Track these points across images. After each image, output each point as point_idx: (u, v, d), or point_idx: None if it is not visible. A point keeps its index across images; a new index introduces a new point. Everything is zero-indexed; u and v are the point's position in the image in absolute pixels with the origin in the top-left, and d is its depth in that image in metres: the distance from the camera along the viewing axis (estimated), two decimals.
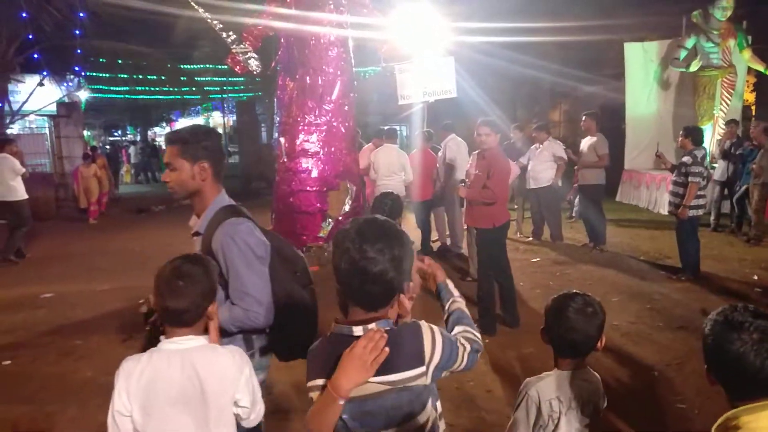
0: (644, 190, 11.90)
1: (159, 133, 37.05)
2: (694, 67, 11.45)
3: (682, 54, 11.61)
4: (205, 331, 1.93)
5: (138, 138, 34.00)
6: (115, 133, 37.27)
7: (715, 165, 9.81)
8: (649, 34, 13.13)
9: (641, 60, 12.49)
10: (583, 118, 8.38)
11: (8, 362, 4.85)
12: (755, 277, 6.75)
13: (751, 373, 1.41)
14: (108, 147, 27.81)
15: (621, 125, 12.95)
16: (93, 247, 9.76)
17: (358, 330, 1.53)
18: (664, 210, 10.37)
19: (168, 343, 1.82)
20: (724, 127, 11.31)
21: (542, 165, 8.44)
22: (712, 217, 9.36)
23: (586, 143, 8.19)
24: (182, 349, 1.80)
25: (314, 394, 1.55)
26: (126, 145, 29.40)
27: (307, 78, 7.81)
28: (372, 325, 1.54)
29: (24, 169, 8.77)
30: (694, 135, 6.67)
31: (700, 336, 1.56)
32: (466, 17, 10.03)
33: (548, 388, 1.94)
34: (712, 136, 11.33)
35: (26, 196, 8.68)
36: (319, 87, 7.84)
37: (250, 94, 21.14)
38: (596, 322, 1.95)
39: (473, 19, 10.27)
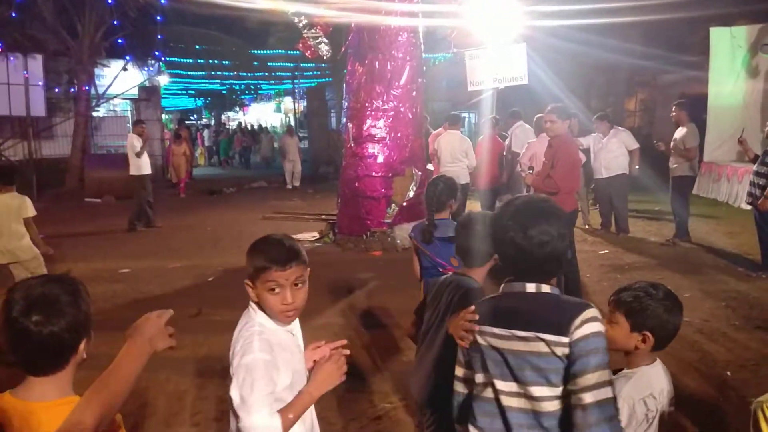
0: (724, 183, 11.27)
1: (232, 118, 38.32)
2: None
3: None
4: None
5: (212, 122, 35.28)
6: (192, 117, 38.78)
7: None
8: (738, 16, 12.31)
9: (728, 46, 11.76)
10: (673, 108, 8.06)
11: None
12: None
13: None
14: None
15: (702, 115, 12.26)
16: (166, 225, 10.23)
17: (530, 287, 1.64)
18: (745, 204, 9.80)
19: None
20: None
21: (613, 153, 8.17)
22: None
23: (678, 134, 7.89)
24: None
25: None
26: (201, 128, 30.58)
27: (376, 63, 7.88)
28: (545, 287, 1.64)
29: (138, 148, 9.65)
30: None
31: None
32: (540, 0, 9.74)
33: (639, 387, 1.88)
34: None
35: (141, 173, 9.69)
36: (388, 72, 7.89)
37: (322, 80, 21.41)
38: (680, 313, 1.91)
39: (547, 2, 9.96)
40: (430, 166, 8.55)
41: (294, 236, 7.61)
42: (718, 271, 6.73)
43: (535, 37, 9.70)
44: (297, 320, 1.93)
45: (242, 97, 34.63)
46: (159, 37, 16.51)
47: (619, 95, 17.69)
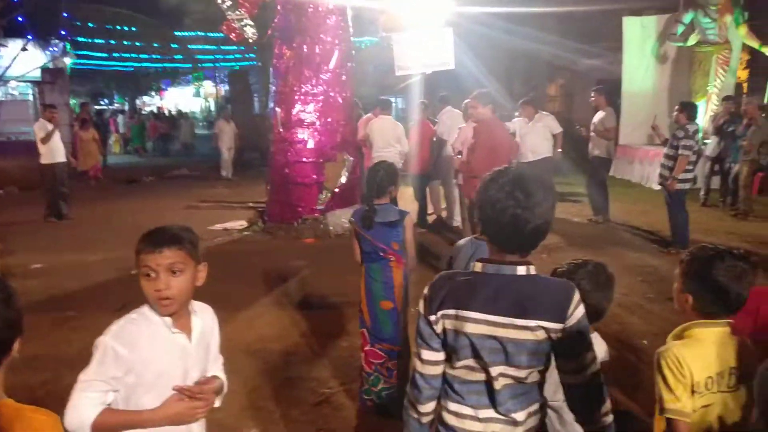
0: (637, 166, 11.98)
1: (148, 102, 36.55)
2: (692, 40, 11.43)
3: (680, 29, 11.59)
4: None
5: (126, 107, 33.48)
6: (102, 102, 36.67)
7: (707, 141, 9.87)
8: (647, 8, 13.06)
9: (639, 34, 12.44)
10: (592, 94, 8.44)
11: None
12: (741, 251, 6.85)
13: (724, 292, 1.80)
14: (94, 116, 27.41)
15: (617, 100, 12.95)
16: (82, 216, 9.63)
17: (521, 269, 1.58)
18: (657, 185, 10.46)
19: None
20: (717, 103, 11.35)
21: (539, 137, 8.42)
22: (702, 192, 9.48)
23: (596, 117, 8.25)
24: None
25: (448, 322, 1.60)
26: (114, 114, 28.94)
27: (305, 46, 7.71)
28: (532, 268, 1.59)
29: (42, 135, 9.02)
30: (689, 110, 6.77)
31: None
32: None
33: None
34: (705, 112, 11.38)
35: (53, 161, 9.12)
36: (317, 56, 7.75)
37: (244, 63, 20.73)
38: (608, 290, 1.99)
39: None
40: None
41: (221, 225, 7.37)
42: (634, 248, 7.16)
43: (460, 24, 9.85)
44: (198, 323, 1.79)
45: (158, 80, 33.05)
46: (64, 15, 15.38)
47: (541, 81, 18.34)
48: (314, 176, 7.83)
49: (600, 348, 2.01)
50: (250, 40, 7.91)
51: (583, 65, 16.55)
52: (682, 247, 6.79)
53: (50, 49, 17.14)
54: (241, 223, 8.54)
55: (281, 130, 7.90)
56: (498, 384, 1.58)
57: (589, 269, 2.01)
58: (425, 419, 1.70)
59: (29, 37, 15.79)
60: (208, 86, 33.66)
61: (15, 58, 15.48)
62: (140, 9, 16.10)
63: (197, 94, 37.29)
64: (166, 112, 28.56)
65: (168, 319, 1.70)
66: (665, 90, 12.50)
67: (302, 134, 7.82)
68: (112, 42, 17.96)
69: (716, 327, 1.83)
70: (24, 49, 15.70)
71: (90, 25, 16.27)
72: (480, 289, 1.59)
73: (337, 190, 7.93)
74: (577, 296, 1.56)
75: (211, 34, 15.56)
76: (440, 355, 1.65)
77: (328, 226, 7.77)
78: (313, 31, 7.68)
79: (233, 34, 7.77)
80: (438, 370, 1.67)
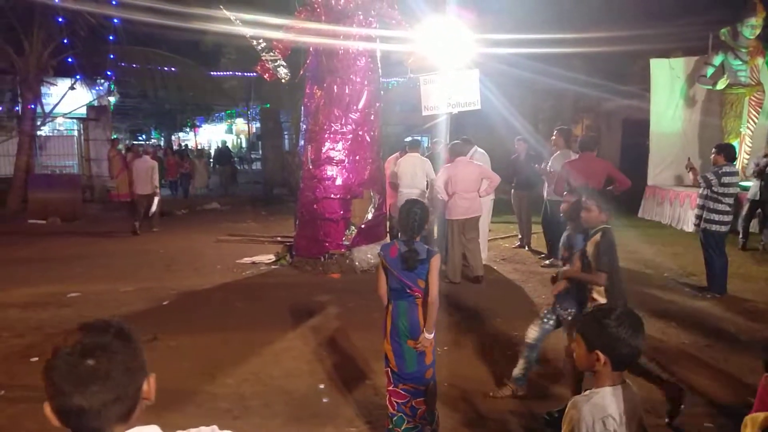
0: (667, 207, 11.78)
1: (183, 138, 37.59)
2: (721, 85, 11.34)
3: (709, 71, 11.53)
4: None
5: (162, 142, 34.52)
6: (140, 138, 37.89)
7: (745, 183, 9.64)
8: (675, 49, 13.05)
9: (667, 76, 12.42)
10: (554, 133, 8.31)
11: (36, 359, 4.91)
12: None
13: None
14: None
15: (644, 141, 12.88)
16: (116, 248, 9.93)
17: None
18: (688, 227, 10.24)
19: None
20: (751, 144, 11.19)
21: None
22: (740, 236, 9.25)
23: (551, 159, 8.09)
24: None
25: None
26: (152, 149, 29.78)
27: (335, 87, 7.92)
28: None
29: None
30: (727, 151, 6.60)
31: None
32: (493, 29, 10.08)
33: (600, 407, 1.88)
34: (739, 153, 11.21)
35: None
36: (346, 96, 7.94)
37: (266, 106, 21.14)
38: (643, 332, 1.93)
39: (499, 31, 10.32)
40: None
41: (250, 258, 7.49)
42: (666, 291, 6.97)
43: (487, 64, 10.00)
44: None
45: (193, 117, 34.09)
46: (110, 56, 16.10)
47: (566, 120, 18.37)
48: (341, 212, 7.94)
49: (621, 402, 1.90)
50: (283, 81, 8.13)
51: (608, 106, 16.55)
52: (719, 294, 6.58)
53: (96, 87, 17.93)
54: (269, 257, 8.66)
55: (311, 167, 8.06)
56: None
57: (618, 314, 1.90)
58: None
59: (77, 77, 16.55)
60: (240, 123, 34.51)
61: (63, 96, 16.23)
62: (179, 50, 16.76)
63: (229, 131, 38.28)
64: (178, 148, 26.95)
65: None
66: (695, 131, 12.37)
67: (331, 171, 7.96)
68: (154, 80, 18.62)
69: None
70: (72, 88, 16.45)
71: (133, 65, 16.95)
72: None
73: (363, 226, 8.01)
74: None
75: (246, 74, 16.04)
76: None
77: (353, 261, 7.82)
78: (343, 72, 7.90)
79: (267, 75, 8.01)
80: None
